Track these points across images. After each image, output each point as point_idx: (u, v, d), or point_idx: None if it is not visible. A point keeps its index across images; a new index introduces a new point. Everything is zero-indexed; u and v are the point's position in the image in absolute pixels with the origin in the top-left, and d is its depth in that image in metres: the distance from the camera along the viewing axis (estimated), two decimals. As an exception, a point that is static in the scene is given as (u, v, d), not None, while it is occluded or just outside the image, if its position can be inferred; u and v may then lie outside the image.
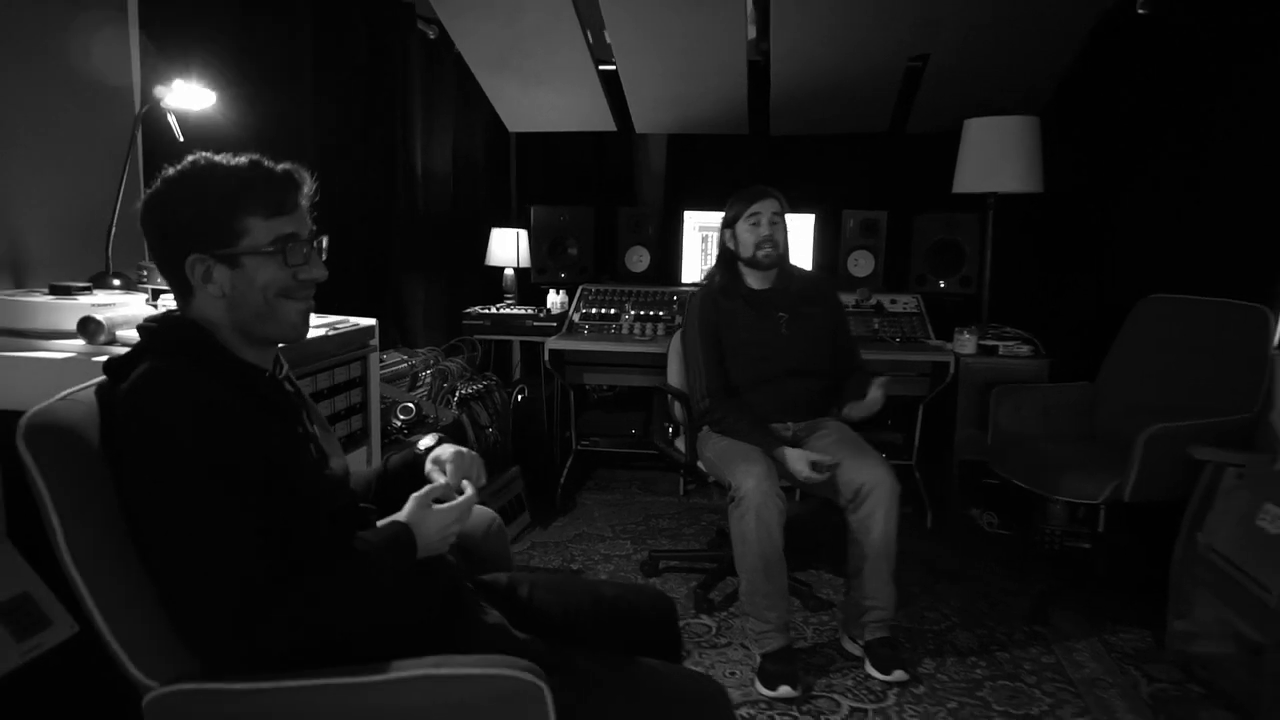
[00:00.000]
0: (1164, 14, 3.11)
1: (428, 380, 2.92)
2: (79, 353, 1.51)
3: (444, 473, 1.34)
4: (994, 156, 3.29)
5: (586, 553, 3.11)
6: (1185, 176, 2.96)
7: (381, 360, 2.96)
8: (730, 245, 2.54)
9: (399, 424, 2.59)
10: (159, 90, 1.74)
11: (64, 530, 1.01)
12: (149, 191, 1.20)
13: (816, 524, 3.15)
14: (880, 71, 3.49)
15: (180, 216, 1.17)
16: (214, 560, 1.01)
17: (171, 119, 1.80)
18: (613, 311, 3.63)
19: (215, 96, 1.87)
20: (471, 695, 1.04)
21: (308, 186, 1.27)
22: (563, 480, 3.65)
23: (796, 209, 3.85)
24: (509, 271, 3.86)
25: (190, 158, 1.19)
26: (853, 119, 3.85)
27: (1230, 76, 2.78)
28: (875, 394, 2.41)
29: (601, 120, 4.00)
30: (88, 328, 1.50)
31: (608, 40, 3.50)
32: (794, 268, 2.63)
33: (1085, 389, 2.98)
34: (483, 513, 1.61)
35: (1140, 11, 3.18)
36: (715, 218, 3.79)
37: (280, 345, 1.30)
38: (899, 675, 2.24)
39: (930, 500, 3.43)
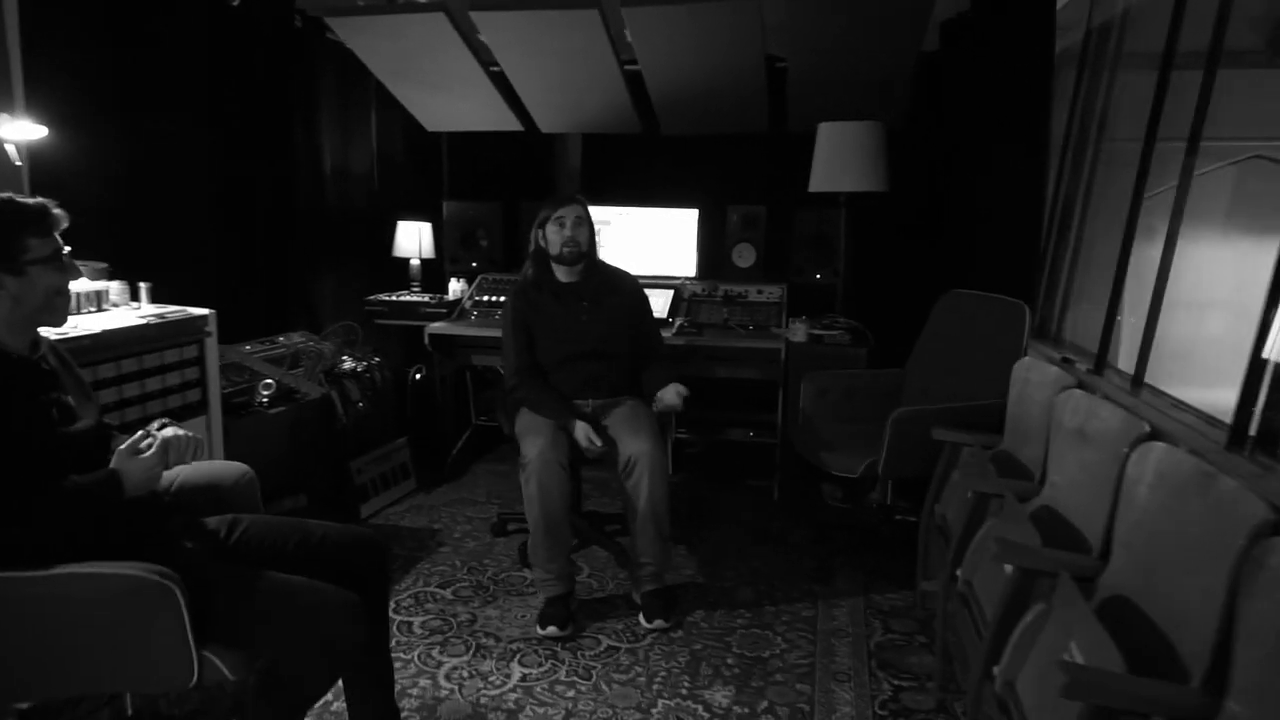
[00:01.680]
0: (991, 25, 3.36)
1: (306, 361, 3.32)
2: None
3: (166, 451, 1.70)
4: (843, 158, 3.57)
5: (452, 515, 3.50)
6: (997, 180, 3.21)
7: (275, 342, 3.39)
8: (541, 243, 2.88)
9: (263, 398, 2.99)
10: (-13, 123, 2.16)
11: None
12: None
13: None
14: (742, 75, 3.76)
15: None
16: None
17: (9, 147, 2.21)
18: (502, 299, 3.98)
19: (47, 130, 2.28)
20: (118, 588, 1.42)
21: (60, 211, 1.66)
22: (455, 452, 4.04)
23: (681, 204, 4.20)
24: (414, 261, 4.24)
25: None
26: (734, 119, 4.13)
27: (1024, 92, 3.03)
28: (669, 400, 2.74)
29: (507, 121, 4.34)
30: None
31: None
32: (603, 264, 2.96)
33: (895, 375, 3.27)
34: (236, 466, 1.99)
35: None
36: (606, 211, 4.17)
37: (45, 332, 1.71)
38: (659, 623, 2.59)
39: (783, 475, 3.75)
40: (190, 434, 1.72)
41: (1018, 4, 2.93)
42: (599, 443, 2.64)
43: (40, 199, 1.64)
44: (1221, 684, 1.22)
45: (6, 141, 2.21)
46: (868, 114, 3.61)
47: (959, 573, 2.15)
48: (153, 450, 1.62)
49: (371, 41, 3.80)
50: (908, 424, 2.67)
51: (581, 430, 2.65)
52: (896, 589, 2.87)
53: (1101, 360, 2.33)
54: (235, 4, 3.41)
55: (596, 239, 2.92)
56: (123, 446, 1.62)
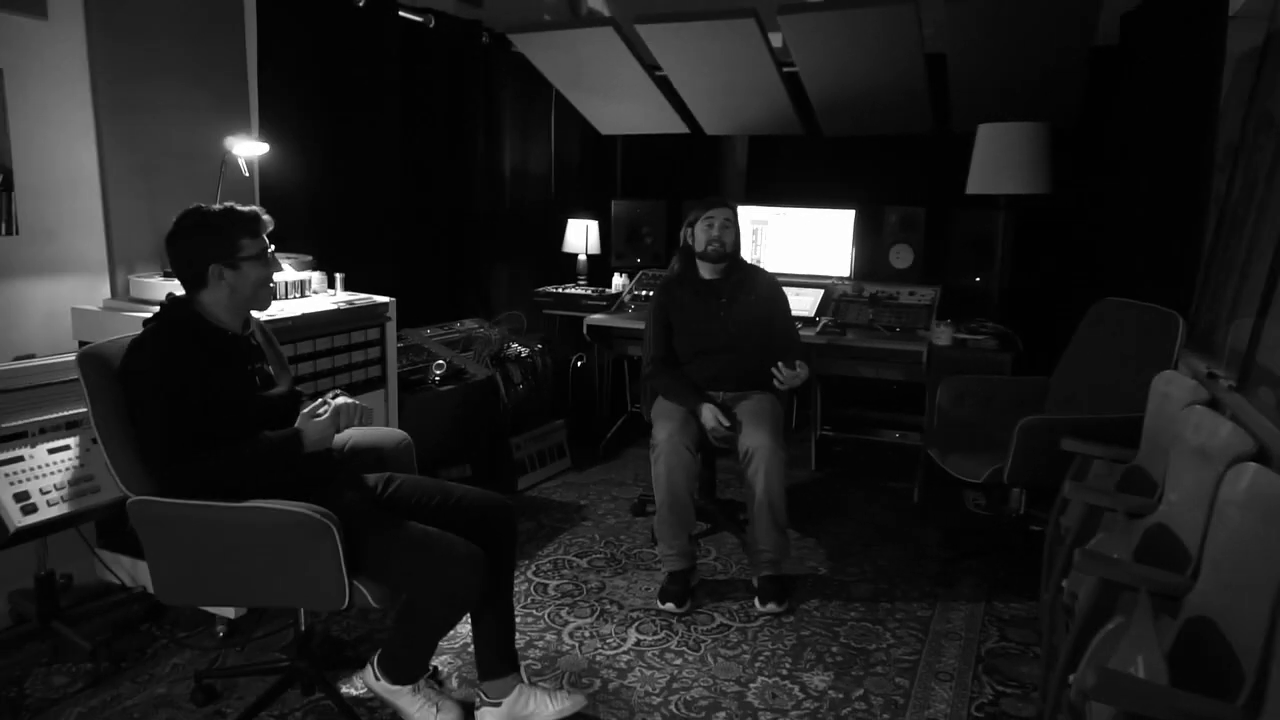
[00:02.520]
0: (1162, 18, 3.17)
1: (476, 345, 3.71)
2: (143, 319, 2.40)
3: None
4: (1002, 160, 3.51)
5: (599, 493, 3.78)
6: (1159, 183, 3.05)
7: (451, 327, 3.81)
8: (689, 240, 3.07)
9: (435, 377, 3.39)
10: (228, 141, 2.63)
11: (94, 412, 1.86)
12: (174, 229, 1.98)
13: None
14: (901, 77, 3.74)
15: (199, 243, 1.97)
16: (156, 434, 1.81)
17: (241, 161, 2.69)
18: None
19: (269, 147, 2.75)
20: (289, 522, 1.76)
21: (268, 217, 2.04)
22: (609, 435, 4.33)
23: (840, 205, 4.24)
24: (581, 257, 4.56)
25: (189, 208, 1.98)
26: (895, 120, 4.12)
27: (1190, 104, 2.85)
28: (796, 371, 2.83)
29: (674, 124, 4.55)
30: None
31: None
32: (744, 263, 3.11)
33: (1040, 383, 3.18)
34: (397, 433, 2.34)
35: None
36: (764, 211, 4.31)
37: (255, 314, 2.11)
38: (771, 607, 2.73)
39: (925, 478, 3.73)
40: (358, 403, 2.07)
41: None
42: (726, 423, 2.80)
43: (253, 207, 2.03)
44: (1260, 704, 1.21)
45: (240, 157, 2.69)
46: (1036, 112, 3.51)
47: (1065, 584, 2.14)
48: (327, 416, 1.97)
49: (549, 54, 4.14)
50: (1037, 432, 2.63)
51: (709, 412, 2.82)
52: (1021, 599, 2.83)
53: (1245, 376, 2.21)
54: (430, 25, 3.84)
55: (740, 241, 3.08)
56: (305, 410, 1.98)
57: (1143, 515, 2.08)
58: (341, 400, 2.05)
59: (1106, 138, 3.58)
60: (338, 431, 2.03)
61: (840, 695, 2.30)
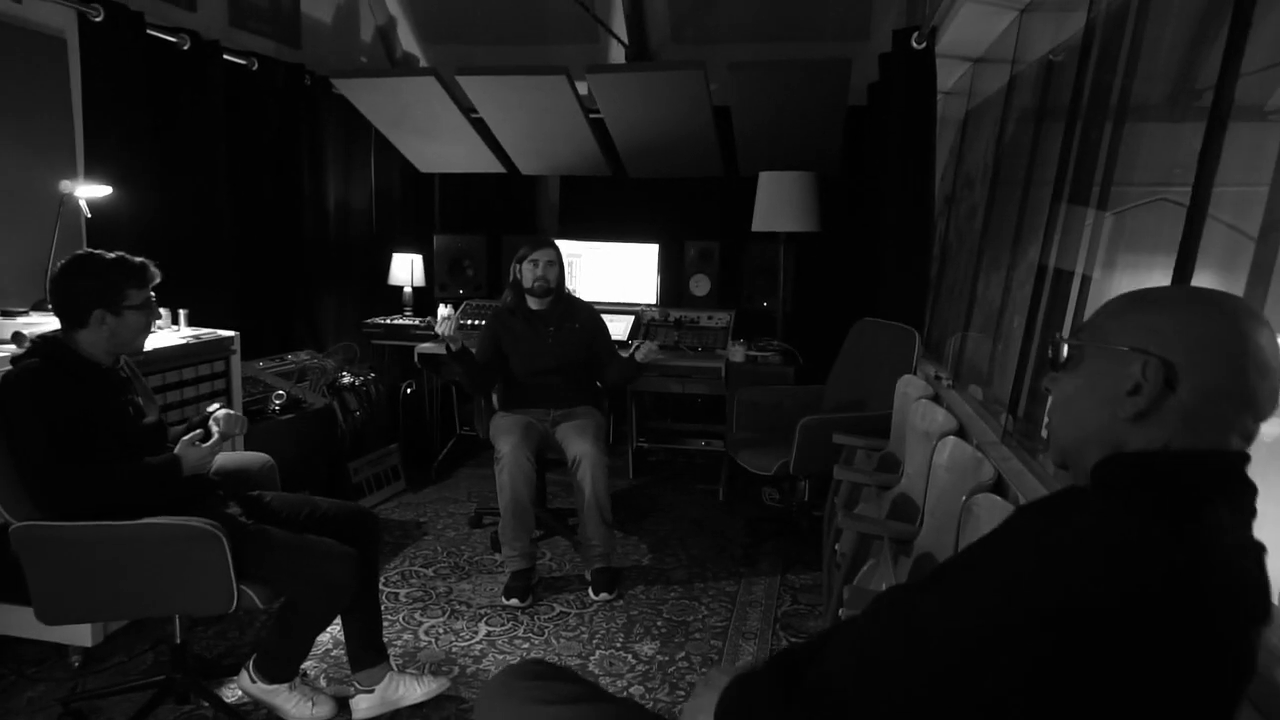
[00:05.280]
0: (890, 90, 3.92)
1: (311, 375, 3.86)
2: (11, 354, 2.45)
3: (218, 425, 2.25)
4: (779, 203, 4.14)
5: (436, 510, 4.02)
6: (895, 223, 3.77)
7: (284, 359, 3.93)
8: (518, 276, 3.43)
9: (275, 407, 3.52)
10: (65, 184, 2.71)
11: (-29, 445, 1.95)
12: (61, 271, 2.10)
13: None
14: (694, 128, 4.30)
15: (87, 287, 2.09)
16: (33, 462, 1.94)
17: (81, 202, 2.76)
18: (483, 322, 4.52)
19: (111, 189, 2.83)
20: (181, 535, 1.95)
21: (156, 269, 2.19)
22: (441, 457, 4.57)
23: (645, 240, 4.76)
24: (406, 289, 4.79)
25: (78, 253, 2.11)
26: (691, 165, 4.69)
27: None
28: (644, 351, 3.32)
29: (491, 164, 4.90)
30: (17, 338, 2.44)
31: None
32: (567, 295, 3.51)
33: (818, 390, 3.81)
34: (260, 456, 2.53)
35: (916, 46, 3.80)
36: (579, 246, 4.74)
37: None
38: (604, 596, 3.12)
39: (728, 479, 4.28)
40: (239, 414, 2.27)
41: (908, 79, 3.50)
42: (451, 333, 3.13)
43: (142, 259, 2.17)
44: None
45: (82, 199, 2.76)
46: (808, 162, 4.17)
47: (837, 546, 2.69)
48: (209, 443, 2.15)
49: (371, 98, 4.37)
50: (813, 430, 3.21)
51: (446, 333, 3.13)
52: (809, 571, 3.39)
53: (957, 376, 2.88)
54: (254, 67, 3.97)
55: (565, 276, 3.47)
56: (186, 437, 2.16)
57: (890, 488, 2.68)
58: (224, 411, 2.25)
59: (861, 185, 4.31)
60: (227, 437, 2.22)
61: (666, 658, 2.73)
